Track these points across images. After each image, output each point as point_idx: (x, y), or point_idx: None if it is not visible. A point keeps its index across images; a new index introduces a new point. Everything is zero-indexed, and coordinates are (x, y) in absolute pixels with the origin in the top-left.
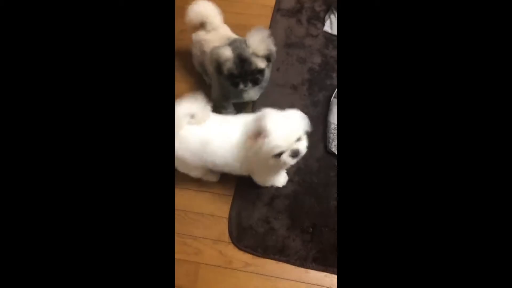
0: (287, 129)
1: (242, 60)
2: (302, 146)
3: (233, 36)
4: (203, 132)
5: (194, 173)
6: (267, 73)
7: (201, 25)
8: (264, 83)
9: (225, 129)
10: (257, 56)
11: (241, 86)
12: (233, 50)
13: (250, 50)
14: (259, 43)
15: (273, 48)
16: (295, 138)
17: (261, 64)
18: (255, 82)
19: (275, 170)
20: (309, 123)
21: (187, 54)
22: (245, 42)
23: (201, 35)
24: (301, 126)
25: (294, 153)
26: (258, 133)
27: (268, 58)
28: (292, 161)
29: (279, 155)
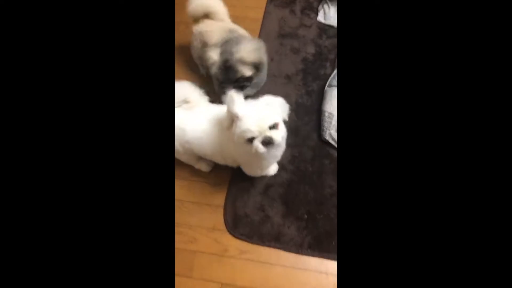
0: (259, 114)
1: (226, 67)
2: (277, 135)
3: (235, 28)
4: (180, 120)
5: (184, 158)
6: (262, 75)
7: (205, 16)
8: (256, 85)
9: (199, 118)
10: (244, 63)
11: (226, 90)
12: (221, 54)
13: (237, 56)
14: (250, 51)
15: (264, 59)
16: (268, 124)
17: (247, 72)
18: (241, 88)
19: (256, 159)
20: (290, 109)
21: (185, 47)
22: (236, 43)
23: (202, 26)
24: (277, 112)
25: (266, 140)
26: (231, 120)
27: (257, 67)
28: (263, 149)
29: (251, 141)
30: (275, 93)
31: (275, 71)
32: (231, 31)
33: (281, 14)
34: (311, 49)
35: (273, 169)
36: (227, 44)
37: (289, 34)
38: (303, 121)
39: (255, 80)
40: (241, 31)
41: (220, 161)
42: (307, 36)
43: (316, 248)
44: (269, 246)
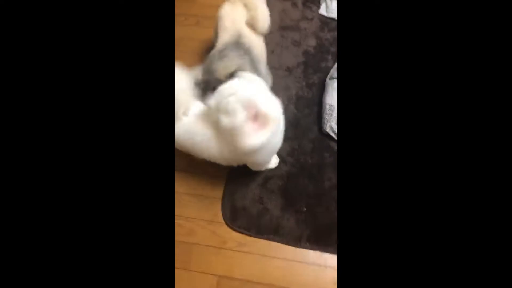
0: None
1: (207, 88)
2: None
3: (246, 34)
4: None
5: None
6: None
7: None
8: None
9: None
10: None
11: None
12: (203, 74)
13: (216, 75)
14: (229, 68)
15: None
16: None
17: None
18: None
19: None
20: (290, 101)
21: (187, 38)
22: (219, 59)
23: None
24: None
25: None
26: (254, 116)
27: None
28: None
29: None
30: (275, 85)
31: (276, 63)
32: (240, 36)
33: (283, 6)
34: (312, 42)
35: (274, 162)
36: (210, 63)
37: (290, 26)
38: (303, 113)
39: None
40: (250, 37)
41: (225, 163)
42: (308, 28)
43: (315, 242)
44: (268, 238)
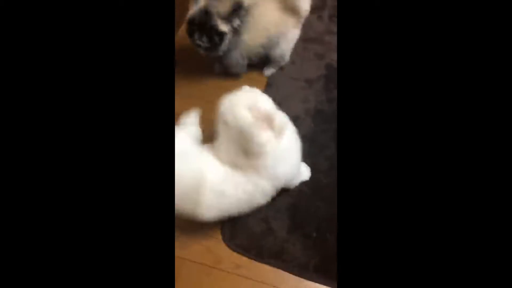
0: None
1: (205, 13)
2: None
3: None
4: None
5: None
6: (233, 53)
7: None
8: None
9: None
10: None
11: (196, 36)
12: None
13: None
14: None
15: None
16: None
17: (223, 27)
18: (210, 39)
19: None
20: (307, 115)
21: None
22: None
23: None
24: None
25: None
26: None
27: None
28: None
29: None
30: (293, 96)
31: (295, 74)
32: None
33: (308, 18)
34: (335, 56)
35: (306, 174)
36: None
37: (314, 39)
38: (321, 128)
39: (231, 53)
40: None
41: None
42: (333, 42)
43: (322, 273)
44: (269, 263)
